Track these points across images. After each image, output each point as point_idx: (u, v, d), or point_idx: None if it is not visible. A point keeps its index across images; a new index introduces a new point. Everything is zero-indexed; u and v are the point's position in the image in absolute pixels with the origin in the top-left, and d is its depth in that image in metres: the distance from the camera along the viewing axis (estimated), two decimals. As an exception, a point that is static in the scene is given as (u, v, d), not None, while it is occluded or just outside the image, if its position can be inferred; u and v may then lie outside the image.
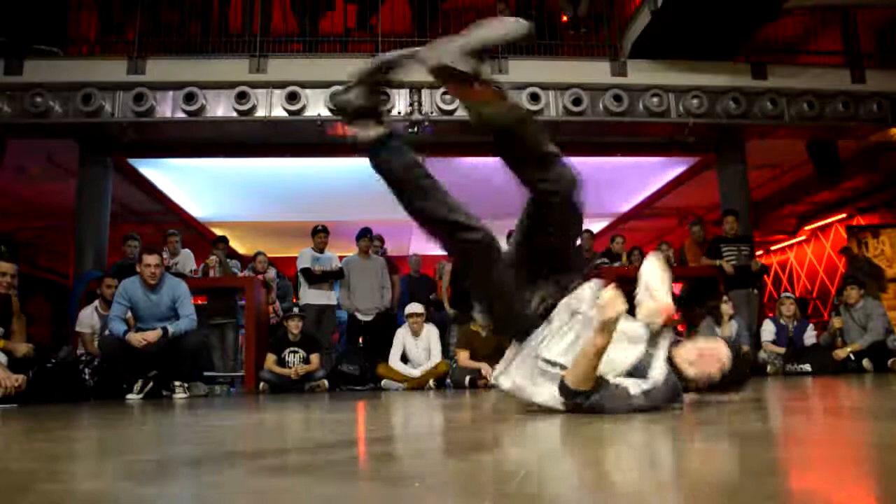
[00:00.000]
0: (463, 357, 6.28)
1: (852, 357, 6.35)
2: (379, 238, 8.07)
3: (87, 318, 6.19)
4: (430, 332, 6.56)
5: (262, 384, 6.27)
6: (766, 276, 8.05)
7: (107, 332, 5.54)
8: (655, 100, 7.59)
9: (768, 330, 6.75)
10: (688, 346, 2.52)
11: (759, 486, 1.06)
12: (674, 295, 8.55)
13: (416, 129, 7.50)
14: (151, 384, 5.26)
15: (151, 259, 5.30)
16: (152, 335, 5.11)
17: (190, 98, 7.16)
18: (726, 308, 6.62)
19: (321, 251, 7.38)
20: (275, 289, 7.77)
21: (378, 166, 2.32)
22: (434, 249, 12.37)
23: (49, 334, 9.41)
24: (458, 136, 8.35)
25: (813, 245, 12.72)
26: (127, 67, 7.35)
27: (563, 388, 2.25)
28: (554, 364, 2.37)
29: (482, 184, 10.22)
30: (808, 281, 12.82)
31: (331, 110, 2.27)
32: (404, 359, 6.47)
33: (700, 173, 9.57)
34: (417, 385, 6.20)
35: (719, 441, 1.74)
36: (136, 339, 5.09)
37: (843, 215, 11.49)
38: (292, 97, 7.25)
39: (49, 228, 10.85)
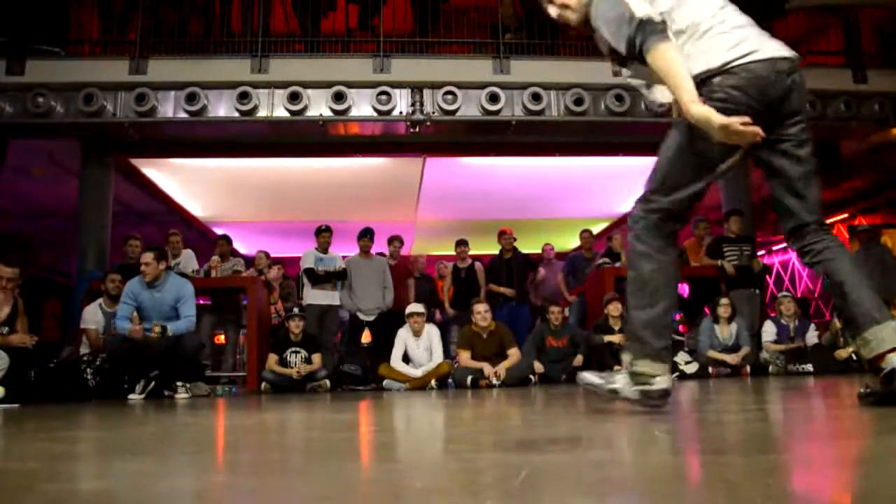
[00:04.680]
0: (464, 357, 6.28)
1: (854, 357, 6.33)
2: (399, 239, 8.04)
3: (92, 315, 6.20)
4: (432, 332, 6.56)
5: (263, 384, 6.28)
6: (767, 277, 8.01)
7: (112, 331, 5.57)
8: (657, 100, 7.57)
9: (769, 330, 6.74)
10: None
11: (759, 486, 1.06)
12: (679, 297, 8.56)
13: (416, 128, 7.50)
14: (153, 384, 5.27)
15: (145, 257, 5.42)
16: (155, 328, 5.17)
17: (192, 98, 7.16)
18: (722, 310, 6.62)
19: (325, 251, 7.38)
20: (277, 289, 7.77)
21: None
22: (435, 249, 12.44)
23: (59, 334, 9.45)
24: (460, 136, 8.35)
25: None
26: (129, 67, 7.36)
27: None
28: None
29: (483, 184, 10.27)
30: (811, 281, 12.80)
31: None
32: (406, 359, 6.47)
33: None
34: (419, 385, 6.20)
35: (719, 441, 1.74)
36: (135, 330, 5.15)
37: (845, 215, 11.47)
38: (294, 97, 7.25)
39: (51, 228, 10.86)
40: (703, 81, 2.14)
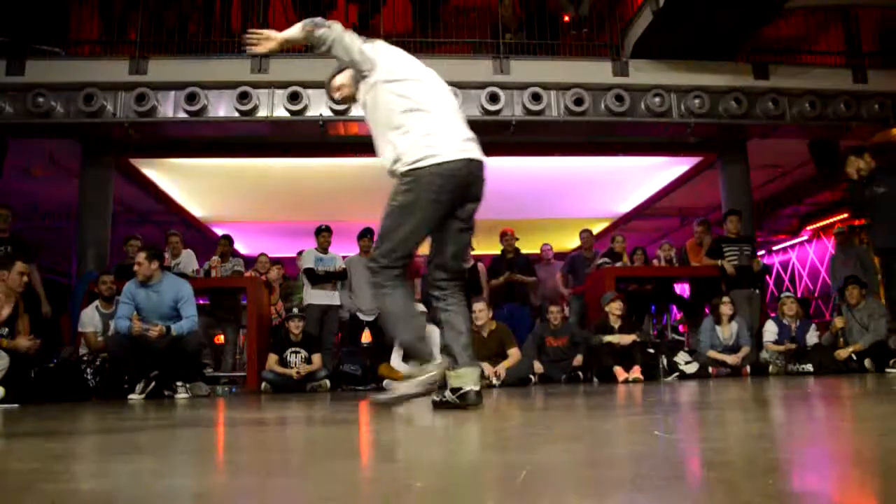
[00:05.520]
0: (464, 357, 6.27)
1: (854, 357, 6.33)
2: None
3: (90, 318, 6.21)
4: (432, 332, 6.55)
5: (263, 384, 6.28)
6: (767, 277, 7.99)
7: (112, 332, 5.55)
8: (657, 100, 7.58)
9: (770, 330, 6.74)
10: None
11: (759, 486, 1.06)
12: (679, 297, 8.52)
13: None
14: (153, 384, 5.27)
15: (137, 257, 5.44)
16: (156, 329, 5.16)
17: (192, 98, 7.16)
18: (725, 308, 6.62)
19: (325, 251, 7.37)
20: (277, 289, 7.76)
21: None
22: (435, 249, 12.01)
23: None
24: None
25: (815, 245, 12.71)
26: (129, 67, 7.36)
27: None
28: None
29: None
30: (810, 281, 12.80)
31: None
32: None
33: (702, 173, 9.56)
34: (419, 385, 6.19)
35: (720, 441, 1.74)
36: (154, 330, 5.18)
37: (845, 215, 11.48)
38: (294, 97, 7.25)
39: (51, 228, 10.86)
40: (423, 157, 2.80)
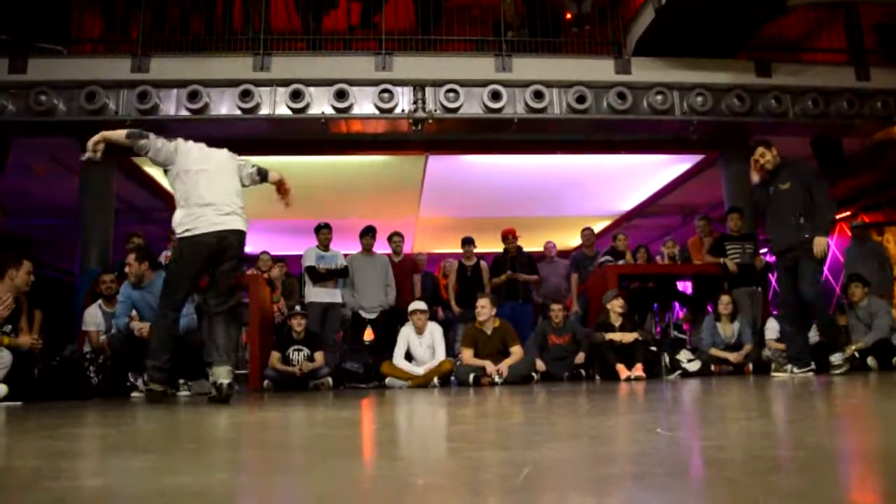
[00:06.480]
0: (467, 355, 6.27)
1: (857, 355, 6.31)
2: (398, 234, 8.04)
3: (93, 318, 6.22)
4: (434, 330, 6.56)
5: (266, 382, 6.29)
6: (770, 274, 7.96)
7: (113, 330, 5.57)
8: (659, 97, 7.57)
9: (772, 328, 6.72)
10: None
11: (759, 484, 1.06)
12: (682, 294, 8.49)
13: (419, 126, 7.49)
14: (155, 382, 5.27)
15: (127, 258, 5.49)
16: (146, 328, 5.18)
17: (194, 96, 7.16)
18: (722, 308, 6.61)
19: (326, 248, 7.37)
20: (280, 287, 7.76)
21: None
22: (438, 247, 12.42)
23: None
24: (462, 134, 8.35)
25: (817, 243, 12.65)
26: (131, 65, 7.36)
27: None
28: None
29: (485, 181, 10.27)
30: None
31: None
32: (408, 357, 6.47)
33: (704, 171, 9.55)
34: (421, 383, 6.21)
35: (722, 439, 1.74)
36: (136, 326, 5.21)
37: (848, 213, 11.45)
38: (296, 95, 7.24)
39: (53, 227, 10.86)
40: (187, 230, 4.01)
